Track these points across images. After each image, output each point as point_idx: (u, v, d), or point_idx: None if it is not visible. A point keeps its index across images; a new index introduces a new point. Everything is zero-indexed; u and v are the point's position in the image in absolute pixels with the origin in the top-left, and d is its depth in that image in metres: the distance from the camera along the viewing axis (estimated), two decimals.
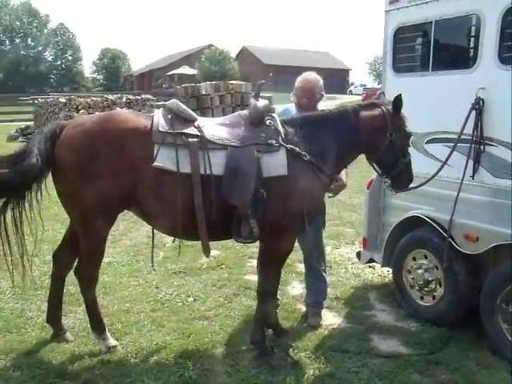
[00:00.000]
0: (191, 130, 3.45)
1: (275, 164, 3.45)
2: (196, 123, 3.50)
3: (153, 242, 3.79)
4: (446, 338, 4.05)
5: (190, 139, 3.40)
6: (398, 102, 3.63)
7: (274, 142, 3.48)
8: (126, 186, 3.37)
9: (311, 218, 3.66)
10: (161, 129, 3.40)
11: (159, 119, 3.45)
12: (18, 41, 68.47)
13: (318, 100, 4.32)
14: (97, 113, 13.79)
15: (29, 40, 69.30)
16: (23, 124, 20.12)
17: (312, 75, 4.33)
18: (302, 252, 4.38)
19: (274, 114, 3.68)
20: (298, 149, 3.51)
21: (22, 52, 68.21)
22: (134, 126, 3.42)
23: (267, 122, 3.56)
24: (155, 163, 3.33)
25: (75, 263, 3.84)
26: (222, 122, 3.65)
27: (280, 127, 3.58)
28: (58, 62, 72.97)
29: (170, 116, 3.47)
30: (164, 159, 3.34)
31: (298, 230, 3.66)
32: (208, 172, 3.36)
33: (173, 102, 3.57)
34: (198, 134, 3.43)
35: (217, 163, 3.38)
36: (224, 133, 3.50)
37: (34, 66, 67.90)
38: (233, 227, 3.42)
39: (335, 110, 3.77)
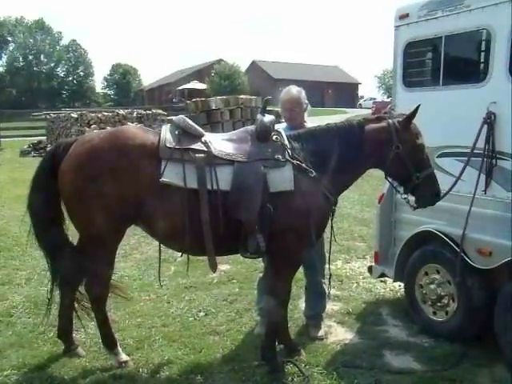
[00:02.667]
0: (198, 146, 3.47)
1: (282, 179, 3.46)
2: (203, 139, 3.53)
3: (159, 257, 3.79)
4: (460, 354, 4.00)
5: (196, 155, 3.43)
6: (412, 113, 3.63)
7: (280, 157, 3.49)
8: (134, 202, 3.40)
9: (318, 234, 3.66)
10: (168, 145, 3.43)
11: (166, 135, 3.48)
12: (31, 57, 69.32)
13: (304, 110, 4.38)
14: (108, 128, 13.90)
15: (41, 56, 70.17)
16: (36, 139, 20.28)
17: (295, 87, 4.40)
18: (304, 265, 4.33)
19: (280, 129, 3.70)
20: (304, 164, 3.52)
21: (34, 68, 69.07)
22: (141, 142, 3.45)
23: (274, 138, 3.58)
24: (162, 179, 3.35)
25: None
26: (228, 137, 3.67)
27: (286, 142, 3.59)
28: (70, 78, 73.76)
29: (177, 132, 3.50)
30: (171, 175, 3.37)
31: (305, 245, 3.65)
32: (215, 187, 3.37)
33: (179, 118, 3.60)
34: (205, 149, 3.46)
35: (223, 179, 3.40)
36: (231, 148, 3.52)
37: (46, 82, 68.73)
38: (239, 242, 3.42)
39: (340, 123, 3.77)
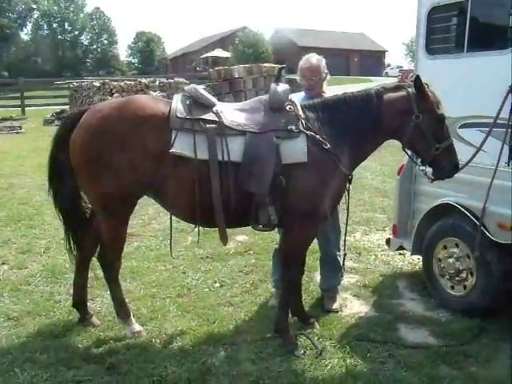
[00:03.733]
0: (209, 116, 3.39)
1: (295, 150, 3.38)
2: (214, 109, 3.44)
3: (171, 228, 3.79)
4: (477, 330, 3.93)
5: (207, 125, 3.35)
6: (416, 82, 3.49)
7: (293, 127, 3.40)
8: (144, 172, 3.36)
9: (332, 207, 3.58)
10: (179, 115, 3.36)
11: (177, 105, 3.41)
12: (55, 25, 69.37)
13: (324, 79, 4.25)
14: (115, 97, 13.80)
15: (66, 24, 70.15)
16: (59, 108, 20.42)
17: (315, 55, 4.27)
18: (318, 237, 4.28)
19: (294, 99, 3.59)
20: (318, 136, 3.42)
21: (59, 36, 69.18)
22: (151, 112, 3.39)
23: (287, 108, 3.48)
24: (172, 149, 3.29)
25: (98, 248, 3.87)
26: (241, 107, 3.58)
27: (300, 112, 3.49)
28: (94, 46, 73.77)
29: (188, 101, 3.43)
30: (181, 146, 3.31)
31: (319, 218, 3.58)
32: (226, 158, 3.31)
33: (191, 88, 3.52)
34: (216, 119, 3.38)
35: (235, 149, 3.33)
36: (243, 118, 3.44)
37: (70, 50, 68.90)
38: (251, 215, 3.37)
39: (358, 92, 3.63)
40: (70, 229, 3.88)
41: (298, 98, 4.06)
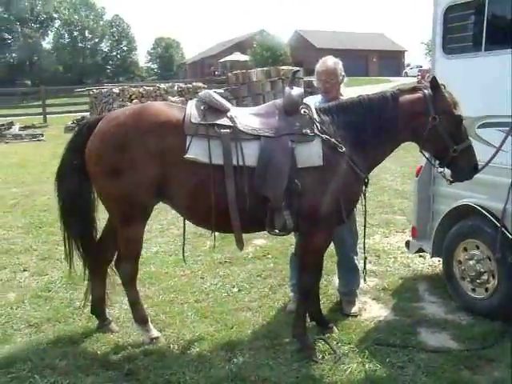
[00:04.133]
0: (224, 121, 3.39)
1: (310, 154, 3.35)
2: (229, 114, 3.44)
3: (184, 234, 3.79)
4: (500, 333, 3.85)
5: (222, 130, 3.35)
6: (432, 83, 3.44)
7: (308, 131, 3.38)
8: (160, 179, 3.37)
9: (349, 210, 3.54)
10: (193, 120, 3.36)
11: (192, 110, 3.42)
12: (76, 33, 70.32)
13: (341, 82, 4.22)
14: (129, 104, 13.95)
15: (86, 32, 71.07)
16: (79, 115, 20.68)
17: (332, 58, 4.24)
18: (334, 241, 4.23)
19: (309, 102, 3.57)
20: (333, 139, 3.39)
21: (79, 44, 70.13)
22: (166, 118, 3.41)
23: (302, 111, 3.46)
24: (187, 155, 3.30)
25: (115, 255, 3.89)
26: (255, 111, 3.58)
27: (315, 116, 3.47)
28: (114, 53, 74.64)
29: (202, 107, 3.43)
30: (196, 151, 3.31)
31: (336, 222, 3.55)
32: (241, 163, 3.30)
33: (205, 93, 3.53)
34: (231, 124, 3.38)
35: (250, 154, 3.32)
36: (257, 123, 3.43)
37: (90, 57, 69.82)
38: (266, 219, 3.35)
39: (373, 95, 3.59)
40: (77, 235, 3.90)
41: (314, 100, 4.05)
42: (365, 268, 3.98)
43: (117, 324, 4.10)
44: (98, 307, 4.02)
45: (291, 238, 5.88)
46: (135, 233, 3.62)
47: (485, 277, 4.13)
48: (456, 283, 4.40)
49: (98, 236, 4.02)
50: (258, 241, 6.07)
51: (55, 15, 69.12)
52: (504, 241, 3.82)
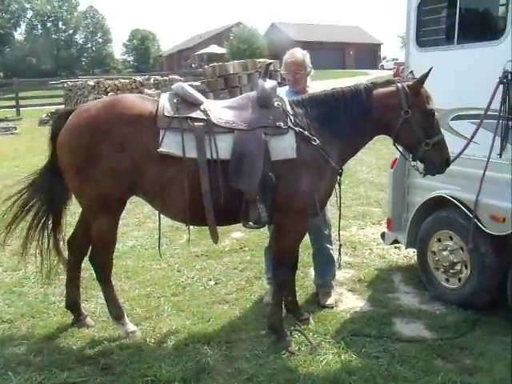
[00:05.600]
0: (197, 114, 3.38)
1: (283, 147, 3.36)
2: (202, 107, 3.42)
3: (159, 226, 3.70)
4: (472, 322, 3.93)
5: (195, 123, 3.33)
6: (422, 77, 3.46)
7: (282, 124, 3.38)
8: (133, 173, 3.35)
9: (323, 203, 3.56)
10: (166, 113, 3.34)
11: (165, 103, 3.39)
12: (49, 25, 69.18)
13: (308, 74, 4.24)
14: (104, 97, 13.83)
15: (60, 24, 69.96)
16: (53, 108, 20.34)
17: (300, 50, 4.27)
18: (310, 233, 4.28)
19: (282, 94, 3.57)
20: (307, 132, 3.40)
21: (53, 36, 69.00)
22: (138, 111, 3.38)
23: (275, 104, 3.46)
24: (160, 149, 3.27)
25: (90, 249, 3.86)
26: (229, 104, 3.56)
27: (289, 108, 3.47)
28: (89, 45, 73.75)
29: (175, 100, 3.41)
30: (170, 144, 3.29)
31: (310, 214, 3.56)
32: (214, 156, 3.29)
33: (178, 86, 3.50)
34: (204, 117, 3.36)
35: (223, 147, 3.31)
36: (231, 116, 3.42)
37: (65, 49, 68.79)
38: (241, 212, 3.35)
39: (346, 88, 3.61)
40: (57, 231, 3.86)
41: (282, 92, 4.06)
42: (339, 255, 4.00)
43: (92, 318, 4.06)
44: (74, 301, 3.97)
45: (268, 231, 5.92)
46: (108, 227, 3.59)
47: (458, 267, 4.20)
48: (430, 274, 4.47)
49: (72, 230, 3.97)
50: (235, 234, 6.07)
51: (27, 5, 67.90)
52: (476, 231, 3.89)
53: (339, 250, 4.00)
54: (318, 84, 4.33)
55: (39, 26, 69.36)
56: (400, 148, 3.81)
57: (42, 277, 4.05)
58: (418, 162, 3.69)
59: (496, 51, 3.87)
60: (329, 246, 4.41)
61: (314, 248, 4.48)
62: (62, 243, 3.93)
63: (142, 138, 3.31)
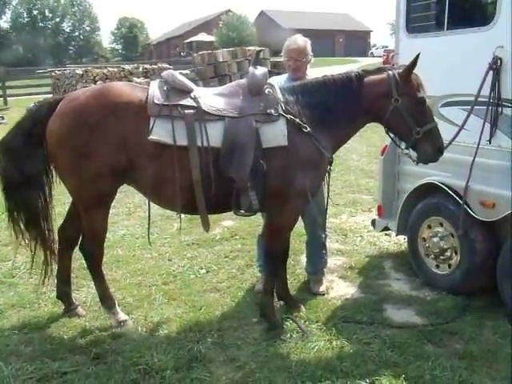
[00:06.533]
0: (187, 102, 3.35)
1: (274, 134, 3.34)
2: (192, 94, 3.39)
3: (149, 215, 3.64)
4: (462, 307, 3.96)
5: (186, 111, 3.31)
6: (411, 63, 3.44)
7: (273, 111, 3.36)
8: (122, 160, 3.32)
9: (314, 190, 3.56)
10: (156, 101, 3.31)
11: (154, 91, 3.36)
12: (35, 13, 68.30)
13: (308, 61, 4.22)
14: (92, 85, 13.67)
15: (46, 12, 69.10)
16: (41, 97, 20.13)
17: (301, 37, 4.24)
18: (304, 220, 4.29)
19: (273, 82, 3.55)
20: (298, 119, 3.39)
21: (40, 24, 68.17)
22: (128, 98, 3.34)
23: (266, 91, 3.44)
24: (151, 136, 3.25)
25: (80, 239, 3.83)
26: (219, 92, 3.54)
27: (280, 96, 3.45)
28: (76, 33, 72.97)
29: (165, 87, 3.38)
30: (160, 132, 3.27)
31: (302, 202, 3.56)
32: (205, 144, 3.27)
33: (168, 73, 3.47)
34: (195, 105, 3.34)
35: (214, 135, 3.29)
36: (221, 103, 3.40)
37: (52, 37, 68.01)
38: (232, 200, 3.34)
39: (338, 75, 3.59)
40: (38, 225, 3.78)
41: (281, 80, 4.04)
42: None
43: (84, 308, 4.04)
44: (65, 291, 3.95)
45: (259, 219, 5.89)
46: (99, 216, 3.56)
47: (448, 253, 4.23)
48: (420, 260, 4.49)
49: (62, 219, 3.94)
50: (226, 222, 6.06)
51: None
52: (466, 218, 3.90)
53: (325, 236, 4.02)
54: (318, 71, 4.30)
55: (25, 14, 68.45)
56: (392, 136, 3.80)
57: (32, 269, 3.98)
58: (411, 150, 3.68)
59: (486, 37, 3.86)
60: (322, 234, 4.41)
61: (307, 235, 4.49)
62: (50, 233, 3.84)
63: (132, 125, 3.28)
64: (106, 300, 3.81)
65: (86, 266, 3.97)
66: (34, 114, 3.62)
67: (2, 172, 3.64)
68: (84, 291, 4.38)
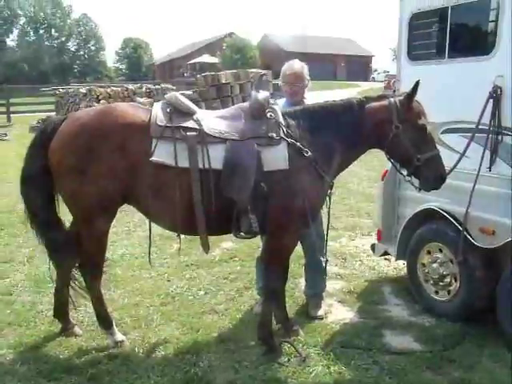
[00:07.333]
0: (190, 124, 3.38)
1: (276, 158, 3.37)
2: (195, 116, 3.43)
3: (150, 235, 3.66)
4: (461, 334, 3.93)
5: (188, 133, 3.33)
6: (412, 91, 3.48)
7: (274, 135, 3.39)
8: (125, 181, 3.34)
9: (314, 214, 3.57)
10: (159, 123, 3.34)
11: (157, 113, 3.40)
12: (41, 32, 69.07)
13: (306, 86, 4.28)
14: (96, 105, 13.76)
15: (52, 31, 69.89)
16: (44, 115, 20.25)
17: (298, 62, 4.30)
18: (303, 244, 4.30)
19: (275, 106, 3.59)
20: (299, 143, 3.41)
21: (45, 43, 68.89)
22: (131, 120, 3.38)
23: (268, 115, 3.47)
24: (153, 158, 3.27)
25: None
26: (221, 114, 3.58)
27: (281, 120, 3.48)
28: (81, 53, 73.67)
29: (168, 109, 3.41)
30: (162, 154, 3.29)
31: (301, 225, 3.56)
32: (207, 166, 3.29)
33: (172, 95, 3.51)
34: (197, 127, 3.37)
35: (216, 157, 3.32)
36: (223, 126, 3.43)
37: (57, 56, 68.54)
38: (232, 222, 3.35)
39: (339, 101, 3.63)
40: (46, 236, 3.80)
41: (280, 104, 4.07)
42: (325, 269, 4.02)
43: (81, 327, 4.02)
44: (62, 310, 3.94)
45: (258, 241, 5.89)
46: (99, 235, 3.57)
47: (447, 279, 4.21)
48: (420, 286, 4.48)
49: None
50: (225, 244, 6.05)
51: (20, 12, 67.77)
52: (466, 244, 3.90)
53: (325, 262, 4.04)
54: (319, 95, 4.35)
55: (31, 33, 69.20)
56: (393, 162, 3.81)
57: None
58: (414, 177, 3.69)
59: (486, 66, 3.91)
60: (322, 258, 4.40)
61: (306, 259, 4.48)
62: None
63: (135, 146, 3.31)
64: (104, 320, 3.79)
65: (84, 284, 3.96)
66: (41, 137, 3.64)
67: (26, 199, 3.73)
68: (81, 310, 4.35)
